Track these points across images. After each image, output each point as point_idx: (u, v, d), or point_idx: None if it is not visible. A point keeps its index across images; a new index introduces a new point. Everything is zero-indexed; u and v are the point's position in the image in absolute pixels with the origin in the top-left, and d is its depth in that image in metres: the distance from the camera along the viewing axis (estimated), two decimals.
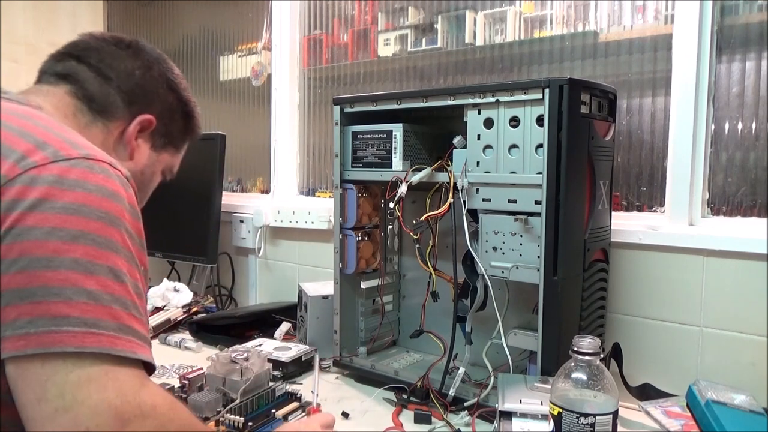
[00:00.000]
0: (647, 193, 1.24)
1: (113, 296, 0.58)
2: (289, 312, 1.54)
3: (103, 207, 0.59)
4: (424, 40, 1.56)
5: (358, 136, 1.23)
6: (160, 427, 0.58)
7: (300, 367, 1.25)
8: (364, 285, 1.30)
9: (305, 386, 1.18)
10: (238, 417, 0.96)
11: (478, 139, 1.05)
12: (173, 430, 0.60)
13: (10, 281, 0.55)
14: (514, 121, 1.01)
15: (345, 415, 1.05)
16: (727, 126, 1.15)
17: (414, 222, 1.14)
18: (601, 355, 0.78)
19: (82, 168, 0.60)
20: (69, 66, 0.78)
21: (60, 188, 0.58)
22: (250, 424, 0.97)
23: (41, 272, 0.55)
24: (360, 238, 1.26)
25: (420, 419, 1.03)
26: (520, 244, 1.01)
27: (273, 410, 1.02)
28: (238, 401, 0.99)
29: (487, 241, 1.04)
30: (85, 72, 0.78)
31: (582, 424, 0.75)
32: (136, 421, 0.56)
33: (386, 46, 1.63)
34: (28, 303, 0.54)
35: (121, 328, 0.57)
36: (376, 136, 1.20)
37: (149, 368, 0.62)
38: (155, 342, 1.48)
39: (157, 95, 0.83)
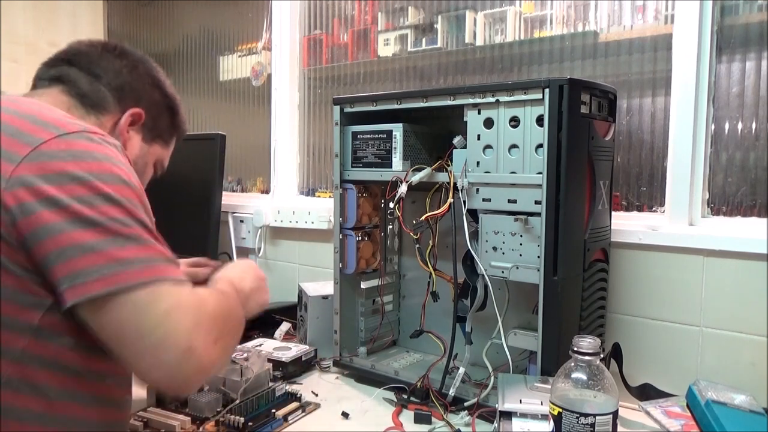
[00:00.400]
0: (647, 193, 1.24)
1: (149, 238, 0.67)
2: (289, 312, 1.54)
3: (114, 171, 0.68)
4: (424, 40, 1.56)
5: (358, 136, 1.23)
6: (224, 321, 0.73)
7: (300, 367, 1.25)
8: (364, 285, 1.30)
9: (305, 386, 1.18)
10: (238, 417, 0.96)
11: (478, 139, 1.05)
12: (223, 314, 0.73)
13: (59, 241, 0.62)
14: (514, 121, 1.01)
15: (345, 415, 1.05)
16: (727, 126, 1.15)
17: (414, 222, 1.14)
18: (601, 355, 0.78)
19: (84, 140, 0.68)
20: (61, 69, 0.84)
21: (74, 160, 0.65)
22: (250, 424, 0.97)
23: (91, 230, 0.63)
24: (360, 238, 1.26)
25: (420, 419, 1.03)
26: (520, 244, 1.01)
27: (273, 410, 1.02)
28: (238, 401, 0.99)
29: (487, 241, 1.04)
30: (76, 73, 0.84)
31: (582, 424, 0.75)
32: (206, 323, 0.67)
33: (386, 46, 1.63)
34: (90, 254, 0.63)
35: (166, 259, 0.68)
36: (376, 136, 1.20)
37: None
38: None
39: (145, 91, 0.89)
